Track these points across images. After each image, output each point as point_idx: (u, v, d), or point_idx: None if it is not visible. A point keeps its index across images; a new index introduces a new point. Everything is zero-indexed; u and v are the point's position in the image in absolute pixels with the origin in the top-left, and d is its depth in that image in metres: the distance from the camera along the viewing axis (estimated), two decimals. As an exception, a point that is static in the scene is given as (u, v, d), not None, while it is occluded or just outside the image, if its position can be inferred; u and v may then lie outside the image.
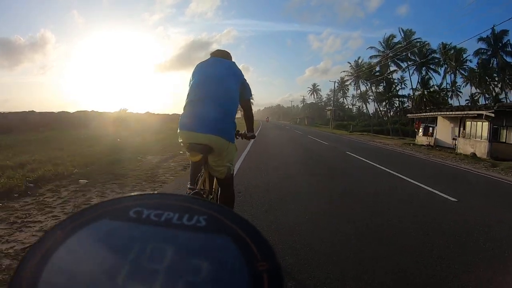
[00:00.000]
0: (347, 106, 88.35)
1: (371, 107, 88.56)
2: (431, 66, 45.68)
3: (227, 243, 0.28)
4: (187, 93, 2.08)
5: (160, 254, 0.26)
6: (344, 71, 54.49)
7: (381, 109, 67.38)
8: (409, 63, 45.32)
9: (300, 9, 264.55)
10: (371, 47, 47.33)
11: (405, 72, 46.25)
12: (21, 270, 0.25)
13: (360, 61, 51.79)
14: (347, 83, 56.18)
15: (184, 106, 2.04)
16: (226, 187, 2.23)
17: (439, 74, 46.71)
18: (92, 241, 0.28)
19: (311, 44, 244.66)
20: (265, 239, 0.29)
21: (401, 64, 45.68)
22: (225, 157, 2.05)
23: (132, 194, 0.34)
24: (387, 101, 50.63)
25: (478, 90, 45.56)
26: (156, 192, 0.36)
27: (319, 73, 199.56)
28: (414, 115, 24.10)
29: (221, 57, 2.27)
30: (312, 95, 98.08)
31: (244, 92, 2.21)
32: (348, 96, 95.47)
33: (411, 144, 20.76)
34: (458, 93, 46.88)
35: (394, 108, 52.22)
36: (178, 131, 2.02)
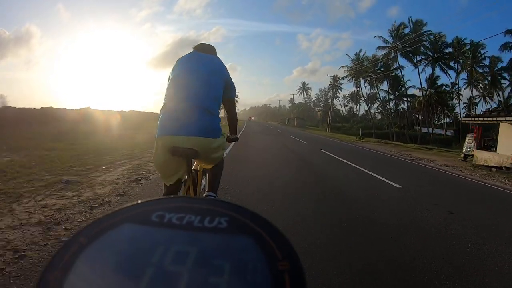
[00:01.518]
0: (335, 107, 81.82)
1: (362, 108, 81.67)
2: (445, 62, 38.21)
3: (248, 243, 0.28)
4: (165, 91, 1.84)
5: (183, 257, 0.26)
6: (342, 66, 45.89)
7: (379, 109, 60.21)
8: (422, 57, 37.72)
9: (290, 8, 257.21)
10: (379, 37, 39.23)
11: (416, 68, 38.38)
12: (46, 276, 0.25)
13: (361, 54, 43.75)
14: (345, 79, 47.74)
15: (163, 106, 1.79)
16: (216, 164, 2.01)
17: (455, 71, 39.34)
18: (115, 246, 0.28)
19: (299, 44, 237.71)
20: (286, 238, 0.29)
21: (410, 58, 38.09)
22: (216, 157, 1.89)
23: (154, 198, 0.34)
24: (394, 101, 42.76)
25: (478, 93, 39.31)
26: (177, 195, 0.30)
27: (307, 74, 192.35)
28: (472, 119, 15.58)
29: (204, 52, 2.01)
30: (302, 95, 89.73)
31: (228, 91, 1.97)
32: (339, 96, 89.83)
33: (473, 164, 12.43)
34: (460, 94, 40.52)
35: (395, 110, 44.70)
36: (157, 136, 1.73)
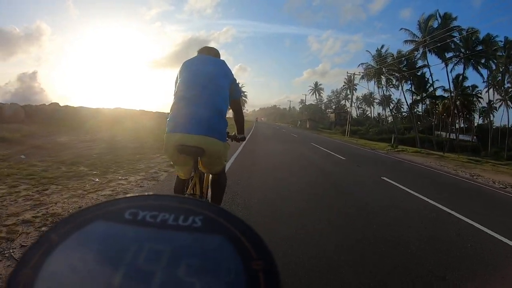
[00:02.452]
0: (347, 109, 77.28)
1: (375, 111, 76.72)
2: (478, 60, 33.73)
3: (223, 243, 0.28)
4: (174, 92, 1.90)
5: (156, 255, 0.26)
6: (362, 64, 41.49)
7: (392, 112, 55.73)
8: (453, 54, 33.28)
9: (300, 9, 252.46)
10: (405, 30, 34.77)
11: (445, 66, 33.91)
12: (16, 274, 0.25)
13: (384, 50, 39.42)
14: (364, 78, 43.35)
15: (172, 105, 1.84)
16: (219, 176, 2.07)
17: (490, 70, 34.81)
18: (87, 244, 0.28)
19: (310, 45, 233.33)
20: (261, 238, 0.29)
21: (441, 55, 33.74)
22: (219, 157, 1.91)
23: (127, 195, 0.33)
24: (421, 103, 38.33)
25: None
26: (151, 193, 0.35)
27: (317, 76, 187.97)
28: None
29: (209, 55, 2.09)
30: (314, 95, 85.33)
31: (234, 92, 2.01)
32: (350, 98, 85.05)
33: None
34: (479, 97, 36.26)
35: (414, 113, 40.38)
36: (166, 134, 1.81)
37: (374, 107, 78.49)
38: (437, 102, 37.97)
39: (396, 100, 67.77)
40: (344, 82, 73.37)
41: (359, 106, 78.51)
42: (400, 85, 40.60)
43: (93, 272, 0.25)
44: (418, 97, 37.81)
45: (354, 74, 37.97)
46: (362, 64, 40.57)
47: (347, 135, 35.52)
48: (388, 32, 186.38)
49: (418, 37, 33.53)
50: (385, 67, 38.10)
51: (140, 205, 0.32)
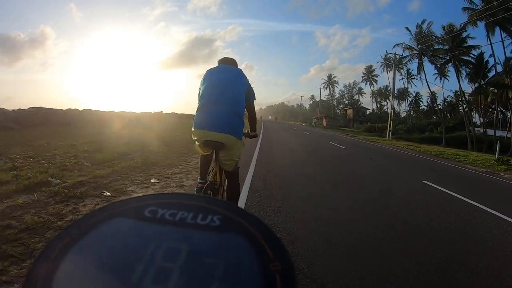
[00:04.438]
0: (361, 104, 68.80)
1: (390, 105, 67.37)
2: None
3: (240, 242, 0.28)
4: (200, 96, 2.21)
5: (174, 253, 0.26)
6: (398, 44, 32.34)
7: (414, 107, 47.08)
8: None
9: (307, 4, 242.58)
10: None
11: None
12: (36, 267, 0.25)
13: (426, 26, 30.71)
14: (384, 68, 34.64)
15: (198, 107, 2.16)
16: (233, 179, 2.34)
17: None
18: (107, 240, 0.28)
19: (317, 41, 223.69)
20: (279, 239, 0.29)
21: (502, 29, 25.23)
22: (235, 153, 2.21)
23: (147, 194, 0.33)
24: (479, 92, 29.50)
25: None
26: (171, 191, 0.32)
27: (325, 72, 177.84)
28: None
29: (228, 64, 2.44)
30: (326, 90, 76.42)
31: (249, 96, 2.33)
32: (365, 93, 76.84)
33: None
34: None
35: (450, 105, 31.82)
36: (193, 129, 2.15)
37: (389, 101, 69.54)
38: (492, 91, 29.24)
39: (414, 94, 59.63)
40: (363, 74, 64.42)
41: (378, 101, 69.68)
42: (443, 70, 32.03)
43: (112, 268, 0.25)
44: (475, 85, 29.05)
45: (395, 54, 29.23)
46: (398, 45, 31.75)
47: (388, 137, 27.08)
48: (398, 24, 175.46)
49: (478, 6, 25.11)
50: (435, 43, 29.41)
51: (159, 203, 0.32)
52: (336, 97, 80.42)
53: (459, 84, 29.73)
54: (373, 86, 65.86)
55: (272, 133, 19.22)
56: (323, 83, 74.44)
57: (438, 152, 15.47)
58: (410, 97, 60.87)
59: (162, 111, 27.83)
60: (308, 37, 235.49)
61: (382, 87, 67.08)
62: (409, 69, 54.84)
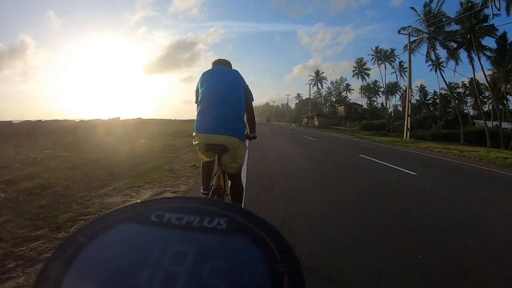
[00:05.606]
0: (349, 100, 64.09)
1: (379, 101, 62.68)
2: None
3: (247, 244, 0.28)
4: (199, 100, 2.18)
5: (181, 257, 0.26)
6: (404, 28, 26.83)
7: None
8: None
9: (289, 2, 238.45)
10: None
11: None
12: (44, 274, 0.25)
13: (433, 5, 25.60)
14: (372, 64, 29.59)
15: (199, 111, 2.13)
16: (236, 180, 2.34)
17: None
18: (114, 245, 0.28)
19: (300, 40, 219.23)
20: (286, 240, 0.28)
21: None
22: (238, 155, 2.17)
23: (153, 198, 0.34)
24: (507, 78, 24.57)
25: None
26: (177, 195, 0.33)
27: (308, 71, 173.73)
28: None
29: (224, 65, 2.40)
30: (315, 86, 71.21)
31: (247, 97, 2.30)
32: (353, 89, 72.35)
33: None
34: None
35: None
36: (194, 134, 2.12)
37: (380, 97, 65.29)
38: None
39: (403, 88, 55.45)
40: (354, 67, 59.64)
41: (368, 96, 65.22)
42: (455, 55, 27.19)
43: (120, 272, 0.25)
44: (499, 69, 24.19)
45: (409, 33, 23.85)
46: (404, 28, 26.41)
47: (406, 136, 21.68)
48: (380, 20, 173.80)
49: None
50: (447, 24, 24.36)
51: (166, 207, 0.32)
52: (323, 94, 75.57)
53: (482, 69, 24.63)
54: (365, 81, 61.24)
55: (263, 141, 13.29)
56: (311, 79, 69.02)
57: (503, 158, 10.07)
58: (400, 91, 57.21)
59: (119, 117, 22.01)
60: (290, 37, 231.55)
61: (370, 82, 63.35)
62: (402, 61, 51.64)
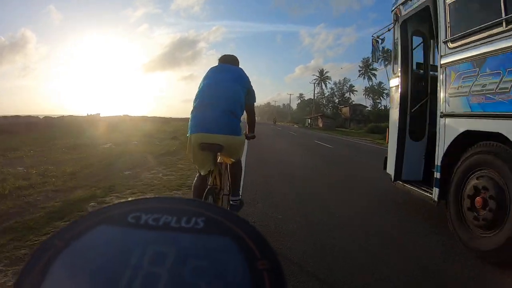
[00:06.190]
0: (352, 102, 61.33)
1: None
2: None
3: (226, 243, 0.28)
4: (195, 96, 2.15)
5: (160, 257, 0.26)
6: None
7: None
8: None
9: (291, 2, 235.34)
10: None
11: None
12: (22, 281, 0.24)
13: None
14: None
15: (193, 109, 2.11)
16: (234, 163, 2.31)
17: None
18: (92, 248, 0.28)
19: (302, 41, 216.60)
20: (264, 238, 0.29)
21: None
22: (236, 151, 2.20)
23: (129, 199, 0.32)
24: None
25: None
26: (152, 196, 0.34)
27: (310, 71, 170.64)
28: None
29: (230, 63, 2.39)
30: (319, 86, 68.29)
31: (249, 98, 2.28)
32: (356, 90, 69.75)
33: None
34: None
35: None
36: (189, 133, 2.10)
37: (385, 98, 62.55)
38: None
39: None
40: (360, 67, 56.87)
41: (374, 97, 62.42)
42: None
43: (99, 275, 0.24)
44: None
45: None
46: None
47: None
48: (383, 22, 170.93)
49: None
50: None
51: (142, 208, 0.31)
52: (326, 95, 72.68)
53: None
54: (372, 81, 58.46)
55: (265, 146, 10.50)
56: (315, 79, 66.10)
57: None
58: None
59: (99, 114, 19.44)
60: (292, 37, 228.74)
61: (375, 84, 60.63)
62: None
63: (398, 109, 3.54)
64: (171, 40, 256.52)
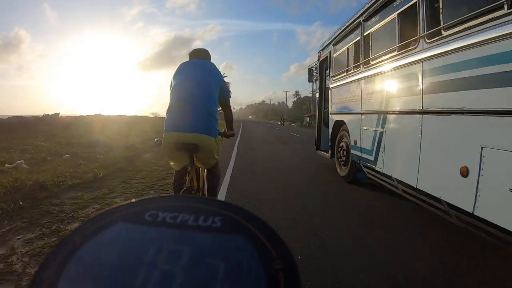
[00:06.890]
0: None
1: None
2: None
3: (242, 242, 0.28)
4: (170, 95, 2.11)
5: (177, 256, 0.26)
6: None
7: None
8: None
9: (288, 0, 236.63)
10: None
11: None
12: (40, 276, 0.25)
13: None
14: None
15: (168, 107, 2.07)
16: (212, 172, 2.29)
17: None
18: (109, 245, 0.28)
19: (298, 39, 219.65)
20: (280, 238, 0.29)
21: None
22: (212, 152, 2.10)
23: (147, 197, 0.34)
24: None
25: None
26: (170, 194, 0.33)
27: (305, 70, 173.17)
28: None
29: (201, 58, 2.30)
30: (316, 83, 70.66)
31: (223, 93, 2.20)
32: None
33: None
34: None
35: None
36: (164, 133, 2.03)
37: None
38: None
39: None
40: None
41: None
42: None
43: (115, 272, 0.25)
44: None
45: None
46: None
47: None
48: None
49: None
50: None
51: (160, 206, 0.32)
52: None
53: None
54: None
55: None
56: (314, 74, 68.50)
57: None
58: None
59: (58, 113, 17.06)
60: (288, 35, 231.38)
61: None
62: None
63: (317, 108, 6.34)
64: (166, 38, 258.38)
